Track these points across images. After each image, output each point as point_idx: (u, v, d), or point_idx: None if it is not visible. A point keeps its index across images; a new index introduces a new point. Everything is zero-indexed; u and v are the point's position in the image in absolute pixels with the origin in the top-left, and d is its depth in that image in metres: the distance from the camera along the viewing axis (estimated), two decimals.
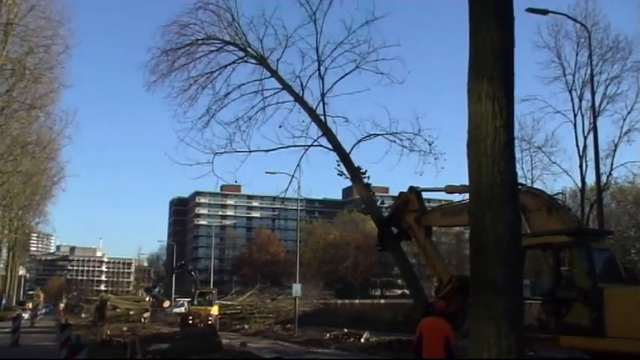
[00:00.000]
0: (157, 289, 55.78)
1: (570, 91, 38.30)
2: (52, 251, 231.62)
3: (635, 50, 37.40)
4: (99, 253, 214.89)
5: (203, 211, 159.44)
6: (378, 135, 20.22)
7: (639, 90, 36.84)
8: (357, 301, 61.37)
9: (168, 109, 23.15)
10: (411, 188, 17.34)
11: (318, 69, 21.06)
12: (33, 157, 49.88)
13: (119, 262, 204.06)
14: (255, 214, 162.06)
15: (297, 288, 40.97)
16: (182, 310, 56.12)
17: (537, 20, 37.84)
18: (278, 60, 21.59)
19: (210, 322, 38.68)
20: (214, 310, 42.09)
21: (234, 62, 22.30)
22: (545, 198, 13.52)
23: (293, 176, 22.27)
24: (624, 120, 37.35)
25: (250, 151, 22.42)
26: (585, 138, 37.55)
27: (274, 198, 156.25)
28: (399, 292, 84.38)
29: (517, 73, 6.64)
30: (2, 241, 67.72)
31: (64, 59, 42.28)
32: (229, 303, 51.36)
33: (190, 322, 39.70)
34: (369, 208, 19.86)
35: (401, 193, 17.91)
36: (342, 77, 20.99)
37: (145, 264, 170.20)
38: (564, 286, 12.22)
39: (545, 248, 12.85)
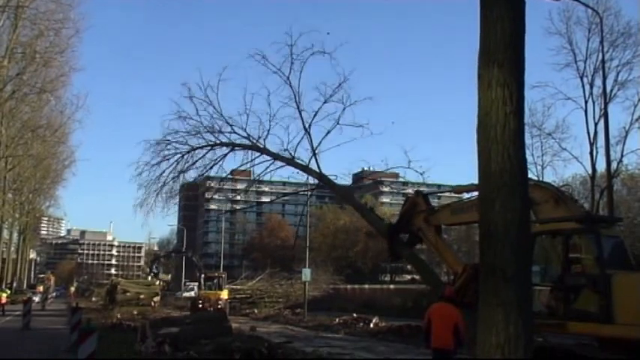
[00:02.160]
0: (157, 270, 55.66)
1: (581, 78, 38.16)
2: (62, 235, 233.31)
3: None
4: (109, 237, 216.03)
5: (213, 195, 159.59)
6: (374, 172, 21.32)
7: None
8: (366, 286, 61.49)
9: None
10: (418, 192, 17.66)
11: (304, 127, 21.85)
12: (44, 141, 50.15)
13: (129, 246, 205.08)
14: (265, 198, 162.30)
15: (306, 273, 41.10)
16: (192, 294, 56.49)
17: (548, 6, 37.62)
18: (265, 138, 22.37)
19: (219, 307, 38.91)
20: (224, 295, 42.32)
21: (224, 156, 23.37)
22: (552, 190, 13.56)
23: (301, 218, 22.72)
24: (635, 106, 37.21)
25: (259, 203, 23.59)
26: (596, 124, 37.42)
27: (284, 183, 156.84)
28: (409, 277, 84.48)
29: (528, 59, 6.60)
30: (13, 224, 68.26)
31: (74, 43, 42.43)
32: (239, 287, 51.61)
33: (200, 306, 39.96)
34: (376, 227, 20.53)
35: (408, 198, 18.25)
36: (327, 134, 21.87)
37: (156, 248, 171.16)
38: (573, 273, 12.23)
39: (555, 235, 12.84)
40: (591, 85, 37.93)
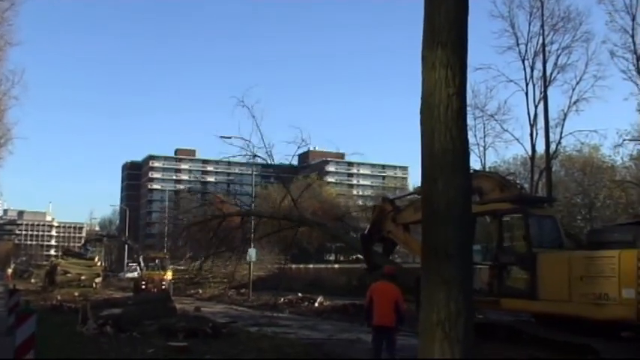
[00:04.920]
0: (88, 251, 54.46)
1: (523, 61, 38.75)
2: None
3: (586, 21, 37.91)
4: (49, 218, 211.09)
5: (157, 175, 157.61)
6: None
7: (588, 60, 37.42)
8: (311, 265, 61.82)
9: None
10: (384, 198, 18.41)
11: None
12: None
13: (70, 227, 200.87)
14: (210, 178, 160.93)
15: (251, 253, 41.03)
16: (135, 275, 55.81)
17: None
18: None
19: (163, 287, 38.59)
20: (168, 275, 41.97)
21: None
22: (497, 179, 14.24)
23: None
24: (573, 90, 37.95)
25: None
26: (536, 107, 38.16)
27: (229, 163, 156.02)
28: (354, 257, 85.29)
29: (472, 42, 6.68)
30: None
31: (10, 16, 40.84)
32: (183, 268, 51.21)
33: (143, 287, 39.57)
34: (352, 246, 21.31)
35: (375, 206, 18.79)
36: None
37: (97, 228, 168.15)
38: (505, 252, 12.65)
39: (492, 215, 13.27)
40: (532, 68, 38.60)
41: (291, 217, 25.03)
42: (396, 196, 19.39)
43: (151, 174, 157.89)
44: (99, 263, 53.28)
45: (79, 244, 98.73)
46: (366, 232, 18.54)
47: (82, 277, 47.43)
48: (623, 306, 9.97)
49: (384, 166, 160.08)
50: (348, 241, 21.82)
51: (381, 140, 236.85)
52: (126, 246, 75.64)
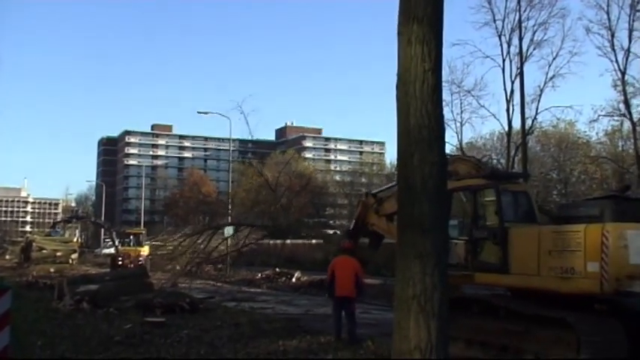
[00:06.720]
0: (57, 233, 53.97)
1: (499, 36, 38.81)
2: None
3: None
4: (24, 193, 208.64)
5: (133, 150, 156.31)
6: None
7: (564, 36, 37.63)
8: (288, 241, 61.85)
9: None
10: (367, 193, 18.35)
11: None
12: None
13: (45, 203, 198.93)
14: (187, 154, 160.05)
15: (228, 229, 40.98)
16: (112, 251, 55.62)
17: None
18: None
19: (140, 263, 38.52)
20: (144, 251, 41.87)
21: None
22: (473, 162, 14.38)
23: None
24: (549, 66, 38.18)
25: None
26: (512, 82, 38.31)
27: (206, 138, 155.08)
28: (331, 232, 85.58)
29: (448, 17, 6.67)
30: None
31: None
32: (160, 243, 51.04)
33: (120, 262, 39.48)
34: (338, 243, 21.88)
35: (359, 202, 18.89)
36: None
37: (73, 204, 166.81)
38: (479, 226, 12.81)
39: (466, 191, 13.43)
40: (509, 44, 38.69)
41: (280, 225, 25.60)
42: (379, 190, 19.43)
43: (127, 149, 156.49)
44: (75, 239, 52.91)
45: (54, 220, 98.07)
46: (351, 227, 18.63)
47: (58, 254, 47.15)
48: (588, 279, 10.15)
49: (361, 142, 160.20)
50: (335, 241, 22.18)
51: (358, 116, 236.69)
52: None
